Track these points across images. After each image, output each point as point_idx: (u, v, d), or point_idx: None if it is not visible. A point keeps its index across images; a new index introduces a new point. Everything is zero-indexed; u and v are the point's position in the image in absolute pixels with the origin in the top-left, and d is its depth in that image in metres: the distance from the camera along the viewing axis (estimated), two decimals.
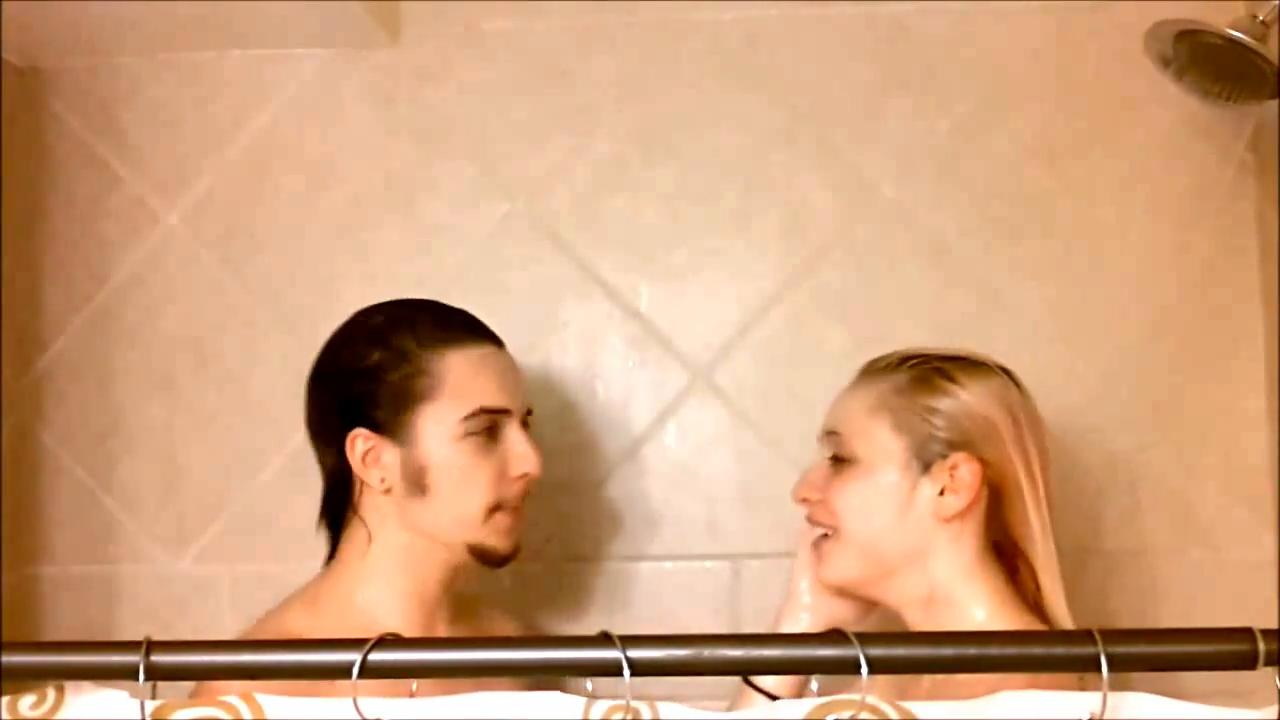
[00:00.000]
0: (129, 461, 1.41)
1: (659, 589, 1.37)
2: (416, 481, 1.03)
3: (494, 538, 1.05)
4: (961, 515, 0.99)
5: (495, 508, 1.04)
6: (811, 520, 1.06)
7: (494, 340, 1.09)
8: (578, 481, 1.38)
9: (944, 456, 0.99)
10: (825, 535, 1.04)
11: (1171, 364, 1.34)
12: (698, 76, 1.40)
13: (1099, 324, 1.35)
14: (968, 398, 1.00)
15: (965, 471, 0.98)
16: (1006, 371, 1.04)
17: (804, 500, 1.06)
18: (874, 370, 1.06)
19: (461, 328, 1.07)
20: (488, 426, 1.04)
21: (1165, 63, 1.24)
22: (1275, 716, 0.68)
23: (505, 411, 1.05)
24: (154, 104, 1.45)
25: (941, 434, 1.00)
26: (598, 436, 1.39)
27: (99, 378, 1.42)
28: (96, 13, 1.34)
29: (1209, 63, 1.20)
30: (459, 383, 1.03)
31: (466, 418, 1.03)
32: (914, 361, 1.03)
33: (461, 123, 1.42)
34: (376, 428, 1.03)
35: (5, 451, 1.40)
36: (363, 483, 1.05)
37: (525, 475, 1.06)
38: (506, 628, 1.20)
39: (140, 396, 1.43)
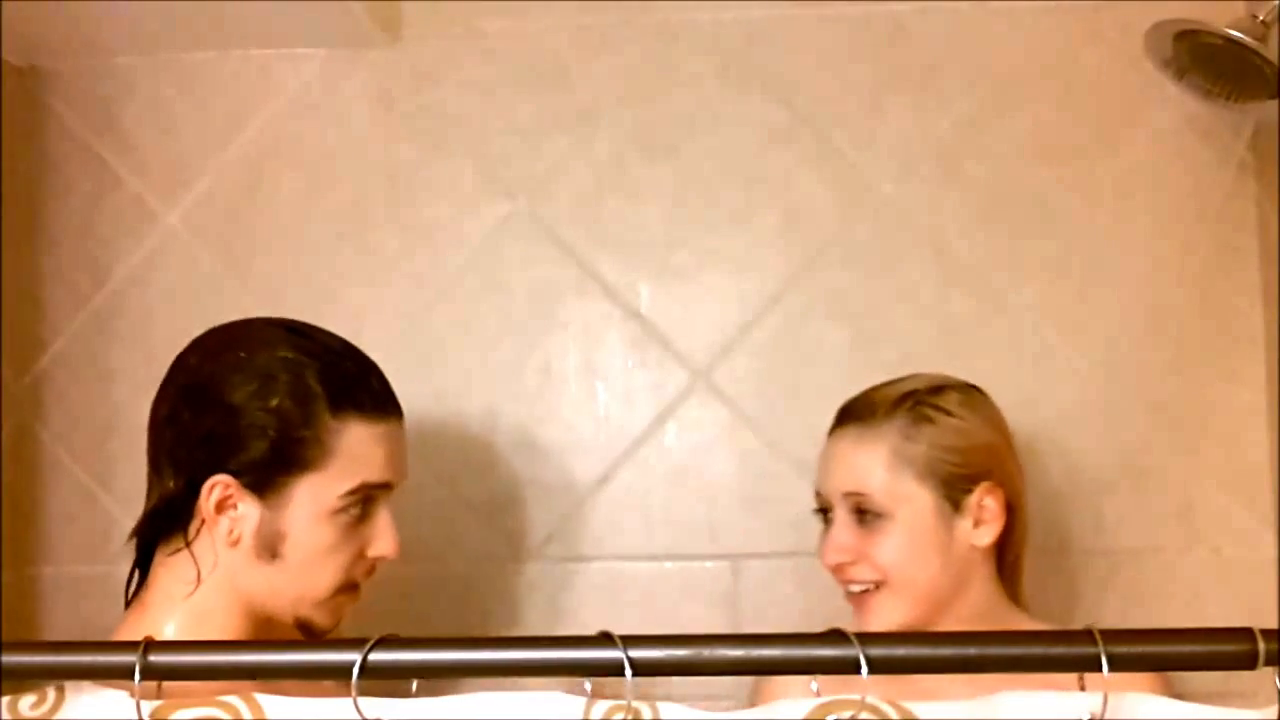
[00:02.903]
0: (129, 461, 1.41)
1: (659, 589, 1.37)
2: (270, 546, 0.94)
3: (325, 617, 0.97)
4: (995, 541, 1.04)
5: (341, 589, 0.97)
6: (850, 580, 1.06)
7: (399, 412, 1.01)
8: (578, 481, 1.38)
9: (968, 491, 1.03)
10: (864, 592, 1.05)
11: (1171, 364, 1.34)
12: (698, 76, 1.40)
13: (1099, 324, 1.35)
14: (969, 428, 1.04)
15: (991, 501, 1.03)
16: (977, 388, 1.09)
17: (840, 565, 1.06)
18: (867, 419, 1.06)
19: (373, 395, 0.97)
20: (362, 505, 0.96)
21: (1165, 63, 1.24)
22: (1275, 716, 0.68)
23: (387, 486, 0.98)
24: (154, 104, 1.45)
25: (961, 470, 1.03)
26: (598, 436, 1.39)
27: (99, 378, 1.42)
28: (96, 13, 1.34)
29: (1209, 63, 1.20)
30: (351, 458, 0.94)
31: (346, 494, 0.94)
32: (907, 403, 1.05)
33: (461, 123, 1.42)
34: (239, 475, 0.92)
35: (5, 451, 1.40)
36: (205, 522, 0.94)
37: (381, 557, 0.99)
38: None
39: (140, 396, 1.40)
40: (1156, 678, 0.91)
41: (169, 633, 0.93)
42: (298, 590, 0.95)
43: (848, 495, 1.05)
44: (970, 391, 1.08)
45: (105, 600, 1.40)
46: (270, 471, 0.93)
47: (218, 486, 0.93)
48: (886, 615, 1.04)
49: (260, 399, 0.92)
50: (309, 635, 0.98)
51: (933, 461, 1.02)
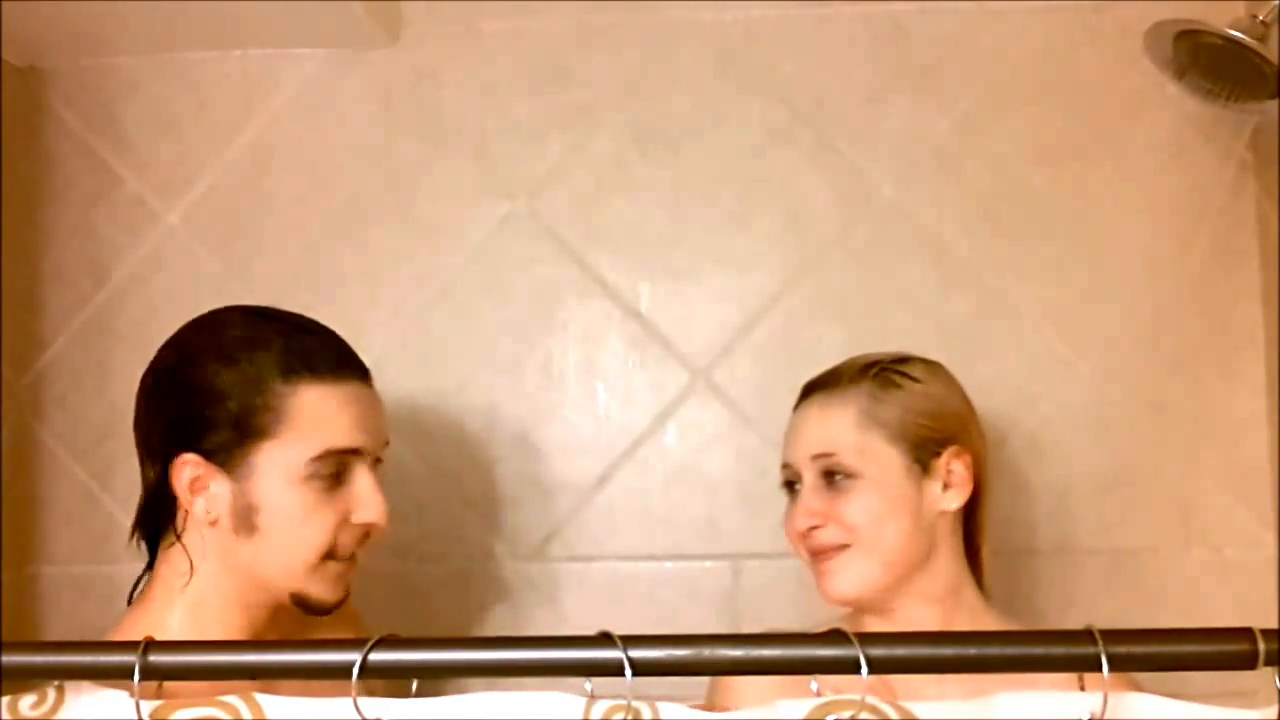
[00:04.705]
0: (129, 461, 1.39)
1: (659, 589, 1.37)
2: (245, 519, 0.94)
3: (320, 587, 0.96)
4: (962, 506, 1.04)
5: (328, 555, 0.96)
6: (817, 547, 1.04)
7: (360, 374, 1.00)
8: (578, 481, 1.38)
9: (937, 454, 1.03)
10: (830, 552, 1.03)
11: (1171, 364, 1.34)
12: (698, 76, 1.40)
13: (1099, 324, 1.35)
14: (937, 393, 1.05)
15: (960, 464, 1.03)
16: (938, 362, 1.09)
17: (809, 530, 1.04)
18: (833, 386, 1.06)
19: (327, 359, 0.97)
20: (334, 470, 0.95)
21: (1165, 63, 1.24)
22: (1275, 716, 0.68)
23: (356, 452, 0.97)
24: (154, 104, 1.45)
25: (929, 433, 1.03)
26: (598, 436, 1.39)
27: (99, 378, 1.42)
28: (96, 13, 1.34)
29: (1209, 63, 1.20)
30: (309, 422, 0.94)
31: (313, 460, 0.94)
32: (873, 370, 1.05)
33: (461, 123, 1.42)
34: (209, 455, 0.93)
35: (5, 451, 1.40)
36: (188, 509, 0.95)
37: (368, 524, 0.98)
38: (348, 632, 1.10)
39: None
40: (1124, 676, 0.86)
41: (168, 625, 0.94)
42: (282, 561, 0.95)
43: (816, 458, 1.04)
44: (933, 363, 1.08)
45: (105, 600, 1.41)
46: (232, 445, 0.93)
47: (186, 466, 0.94)
48: (852, 574, 1.02)
49: (215, 376, 0.94)
50: (310, 611, 0.97)
51: (904, 424, 1.02)
